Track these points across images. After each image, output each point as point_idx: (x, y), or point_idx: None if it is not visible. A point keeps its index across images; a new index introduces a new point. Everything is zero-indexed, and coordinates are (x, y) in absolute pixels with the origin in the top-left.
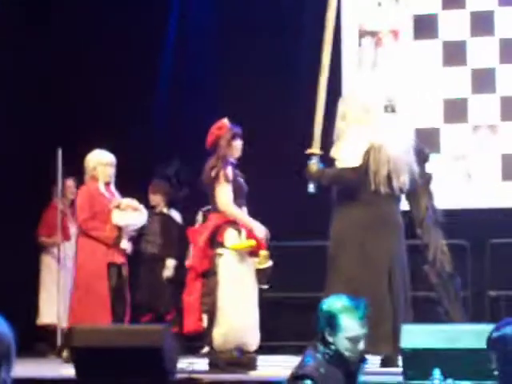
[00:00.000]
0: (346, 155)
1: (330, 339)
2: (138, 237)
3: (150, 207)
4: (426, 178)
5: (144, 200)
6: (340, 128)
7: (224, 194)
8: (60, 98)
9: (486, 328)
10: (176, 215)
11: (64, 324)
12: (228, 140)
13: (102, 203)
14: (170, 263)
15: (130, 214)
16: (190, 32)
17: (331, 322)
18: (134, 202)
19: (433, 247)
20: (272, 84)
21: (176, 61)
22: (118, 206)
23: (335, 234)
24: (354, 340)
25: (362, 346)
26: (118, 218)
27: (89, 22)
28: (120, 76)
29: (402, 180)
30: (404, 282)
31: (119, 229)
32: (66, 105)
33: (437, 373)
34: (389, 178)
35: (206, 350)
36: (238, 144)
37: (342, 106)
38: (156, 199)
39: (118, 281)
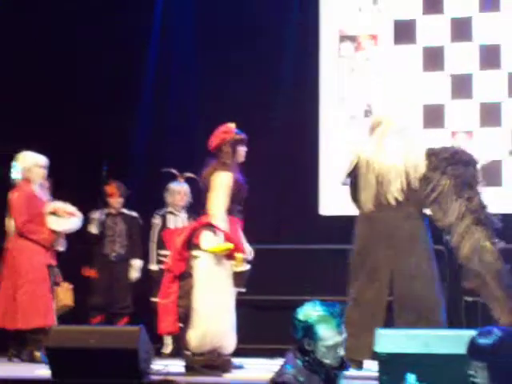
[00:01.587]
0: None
1: (309, 348)
2: (99, 239)
3: (105, 207)
4: (460, 180)
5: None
6: None
7: (217, 200)
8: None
9: (461, 333)
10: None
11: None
12: (233, 145)
13: (38, 206)
14: (136, 264)
15: (66, 220)
16: (174, 35)
17: (308, 332)
18: (69, 207)
19: (466, 248)
20: (256, 87)
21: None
22: (53, 212)
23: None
24: (332, 348)
25: (341, 352)
26: (54, 224)
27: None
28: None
29: (393, 192)
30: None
31: (55, 232)
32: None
33: (411, 378)
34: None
35: (168, 350)
36: (242, 150)
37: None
38: (120, 201)
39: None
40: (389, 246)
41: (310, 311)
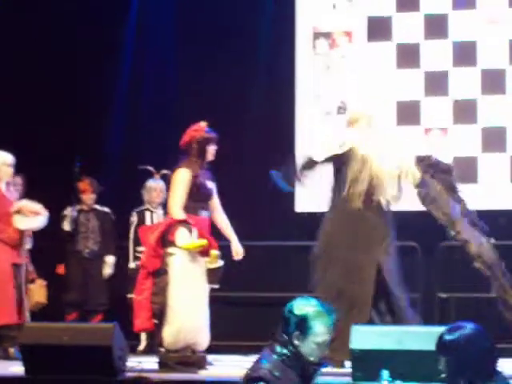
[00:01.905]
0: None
1: (297, 342)
2: (72, 235)
3: (77, 203)
4: (447, 185)
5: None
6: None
7: (173, 197)
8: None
9: (434, 330)
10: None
11: None
12: (201, 143)
13: (5, 205)
14: (110, 260)
15: (32, 219)
16: (149, 33)
17: (302, 325)
18: (35, 206)
19: (474, 244)
20: (231, 84)
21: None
22: (18, 211)
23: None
24: (321, 345)
25: (326, 351)
26: (20, 223)
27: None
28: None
29: (388, 195)
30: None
31: (22, 231)
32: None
33: (385, 374)
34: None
35: (142, 347)
36: (211, 149)
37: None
38: (93, 197)
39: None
40: (372, 244)
41: (307, 306)
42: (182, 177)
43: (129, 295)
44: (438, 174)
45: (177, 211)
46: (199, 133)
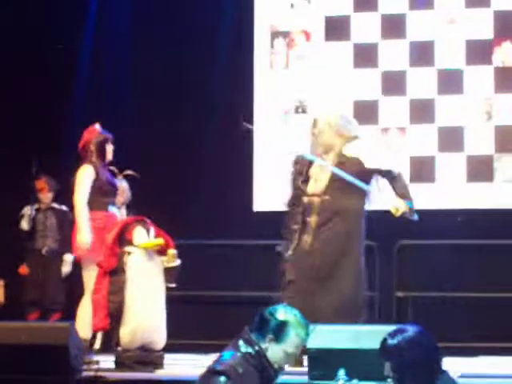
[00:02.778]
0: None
1: (267, 345)
2: (30, 234)
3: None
4: None
5: None
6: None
7: (81, 186)
8: None
9: (391, 329)
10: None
11: None
12: (97, 144)
13: None
14: (69, 258)
15: None
16: (107, 34)
17: (280, 330)
18: None
19: None
20: (190, 82)
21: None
22: None
23: None
24: (289, 355)
25: (291, 363)
26: None
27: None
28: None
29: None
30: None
31: None
32: None
33: (341, 373)
34: None
35: (97, 346)
36: (108, 148)
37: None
38: (50, 196)
39: None
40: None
41: (289, 313)
42: (82, 173)
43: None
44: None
45: (79, 208)
46: (94, 134)
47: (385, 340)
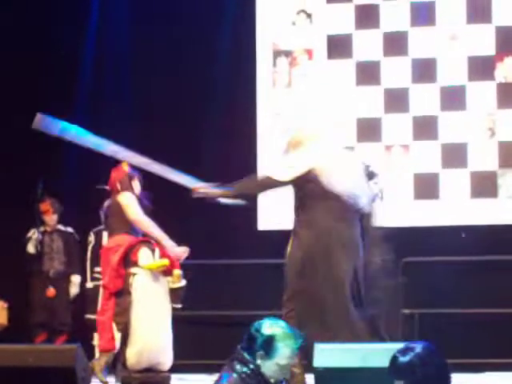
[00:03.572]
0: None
1: (259, 361)
2: (38, 256)
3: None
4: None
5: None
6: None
7: (132, 206)
8: None
9: (398, 347)
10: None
11: None
12: (124, 183)
13: None
14: (76, 280)
15: None
16: (107, 49)
17: (268, 345)
18: None
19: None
20: (192, 100)
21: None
22: None
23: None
24: (283, 367)
25: (288, 375)
26: None
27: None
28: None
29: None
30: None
31: None
32: None
33: None
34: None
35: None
36: (135, 184)
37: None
38: (55, 218)
39: None
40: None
41: (275, 326)
42: (129, 197)
43: (87, 315)
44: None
45: (145, 221)
46: (120, 173)
47: (395, 358)
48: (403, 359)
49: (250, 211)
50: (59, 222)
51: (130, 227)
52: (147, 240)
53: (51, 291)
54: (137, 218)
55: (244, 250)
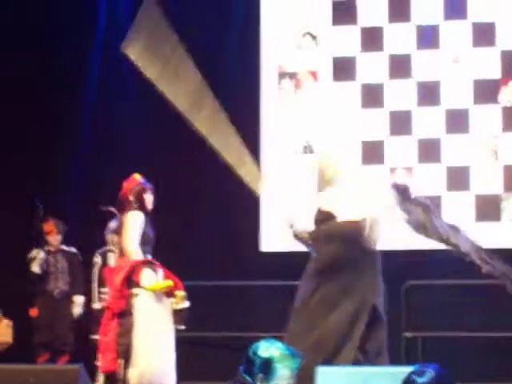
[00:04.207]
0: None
1: (259, 377)
2: (42, 276)
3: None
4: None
5: None
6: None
7: (130, 231)
8: None
9: (400, 370)
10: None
11: None
12: (138, 194)
13: None
14: (79, 300)
15: None
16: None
17: (267, 368)
18: None
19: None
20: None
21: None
22: None
23: None
24: None
25: None
26: None
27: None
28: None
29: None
30: None
31: None
32: None
33: None
34: None
35: None
36: (148, 198)
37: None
38: (59, 238)
39: None
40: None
41: (272, 348)
42: (138, 219)
43: (92, 336)
44: (415, 201)
45: (135, 250)
46: (133, 184)
47: (413, 380)
48: (422, 380)
49: (252, 232)
50: (62, 242)
51: (142, 250)
52: (150, 261)
53: (34, 311)
54: (128, 248)
55: (246, 272)
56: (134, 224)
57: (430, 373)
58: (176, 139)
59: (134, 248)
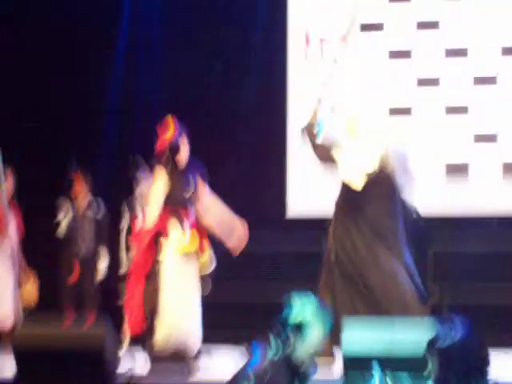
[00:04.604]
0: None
1: (291, 347)
2: (68, 239)
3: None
4: None
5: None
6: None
7: (153, 188)
8: None
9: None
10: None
11: None
12: (174, 149)
13: None
14: (104, 263)
15: None
16: (140, 36)
17: (299, 331)
18: None
19: None
20: (223, 91)
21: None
22: None
23: None
24: (316, 349)
25: (320, 354)
26: None
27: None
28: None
29: None
30: None
31: None
32: None
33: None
34: None
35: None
36: (181, 155)
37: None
38: (85, 202)
39: None
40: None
41: (304, 313)
42: (159, 188)
43: (119, 302)
44: None
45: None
46: (168, 141)
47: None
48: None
49: (279, 199)
50: (90, 204)
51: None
52: (177, 211)
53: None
54: (147, 198)
55: (272, 238)
56: (156, 181)
57: (452, 330)
58: (200, 111)
59: (151, 204)
